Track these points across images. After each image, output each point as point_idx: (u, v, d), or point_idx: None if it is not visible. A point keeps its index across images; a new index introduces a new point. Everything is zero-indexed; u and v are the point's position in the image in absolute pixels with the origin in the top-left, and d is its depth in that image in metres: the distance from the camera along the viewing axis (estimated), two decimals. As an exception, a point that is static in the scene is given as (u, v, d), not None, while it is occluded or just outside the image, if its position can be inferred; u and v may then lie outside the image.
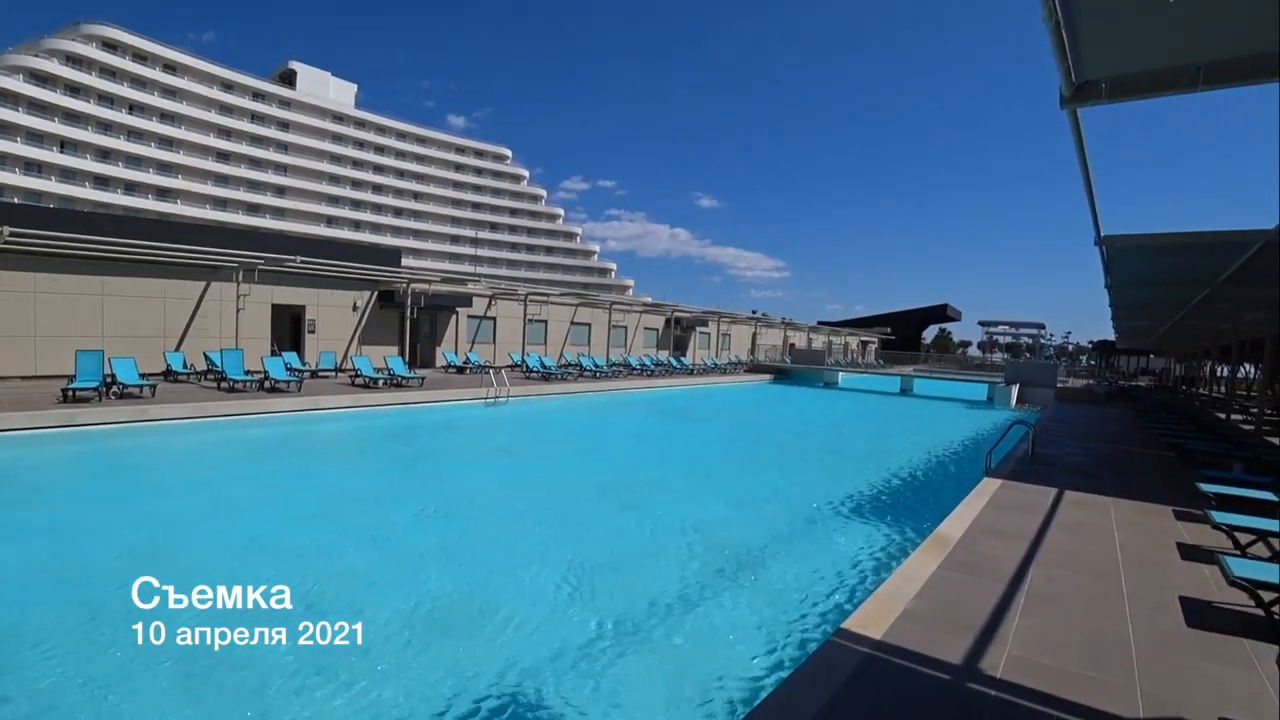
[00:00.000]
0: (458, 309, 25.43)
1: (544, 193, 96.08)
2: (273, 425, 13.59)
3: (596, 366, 26.93)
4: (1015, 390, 27.56)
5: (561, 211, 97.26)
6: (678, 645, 5.00)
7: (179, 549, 6.46)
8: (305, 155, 72.40)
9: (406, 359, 21.50)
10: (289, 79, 73.94)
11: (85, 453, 10.70)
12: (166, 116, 62.86)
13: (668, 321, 36.12)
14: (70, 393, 12.48)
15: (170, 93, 63.35)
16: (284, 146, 71.00)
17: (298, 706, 3.97)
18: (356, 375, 18.72)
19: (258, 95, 69.86)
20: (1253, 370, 32.92)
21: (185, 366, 17.14)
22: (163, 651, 4.28)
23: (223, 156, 66.09)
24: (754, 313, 48.30)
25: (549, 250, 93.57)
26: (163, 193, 61.60)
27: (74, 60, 57.76)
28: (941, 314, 74.84)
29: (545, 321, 29.26)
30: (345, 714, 3.94)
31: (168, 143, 62.72)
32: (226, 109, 67.00)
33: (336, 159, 75.08)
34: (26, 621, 4.81)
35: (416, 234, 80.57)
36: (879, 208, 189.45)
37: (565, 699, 4.19)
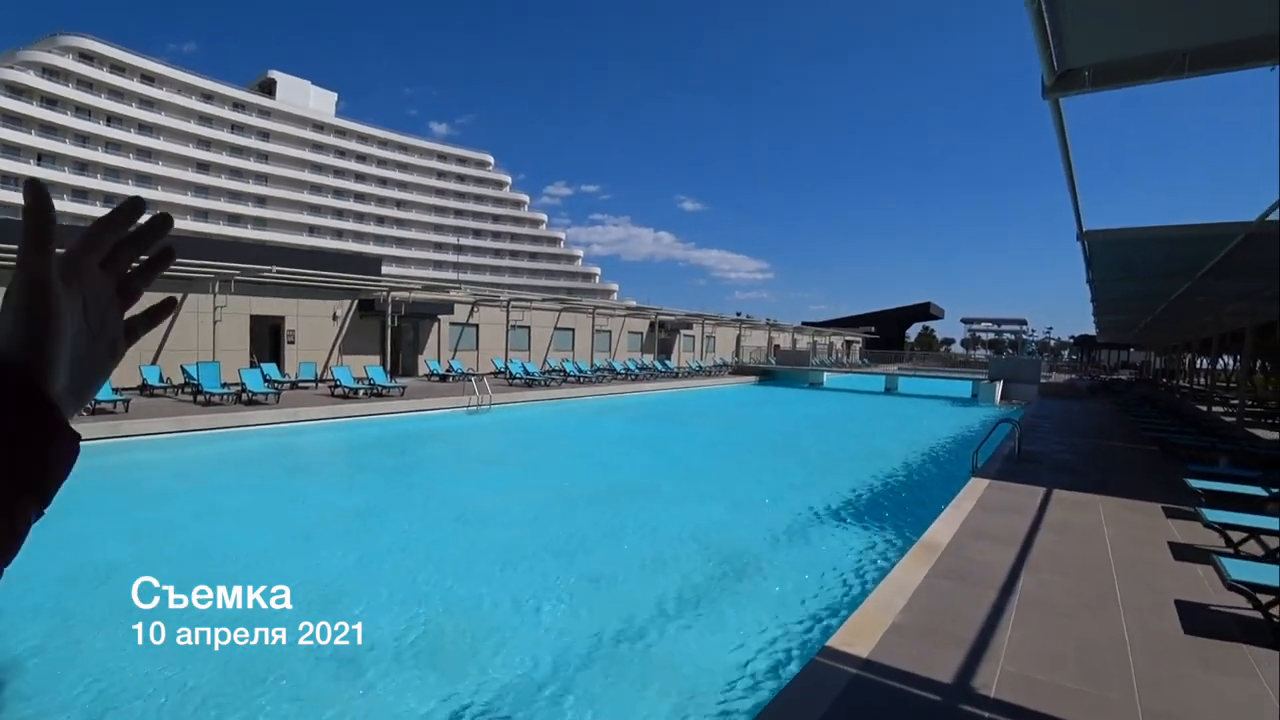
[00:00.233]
0: (439, 317, 25.06)
1: (527, 199, 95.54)
2: (249, 439, 13.27)
3: (580, 372, 26.68)
4: (999, 387, 27.63)
5: (545, 217, 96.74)
6: (663, 656, 4.82)
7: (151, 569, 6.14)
8: (286, 165, 71.43)
9: (388, 368, 21.13)
10: (269, 88, 72.99)
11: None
12: (145, 128, 61.76)
13: (652, 325, 35.92)
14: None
15: (148, 103, 62.23)
16: (264, 156, 70.05)
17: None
18: (336, 385, 18.35)
19: (237, 105, 68.85)
20: (1232, 362, 33.27)
21: (161, 380, 16.72)
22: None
23: (203, 167, 65.06)
24: (738, 314, 48.16)
25: (533, 256, 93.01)
26: (140, 204, 60.42)
27: (50, 72, 56.62)
28: (925, 312, 75.35)
29: (528, 328, 28.94)
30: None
31: (146, 154, 61.65)
32: (206, 119, 65.94)
33: (318, 168, 74.21)
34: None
35: (399, 242, 79.73)
36: (862, 208, 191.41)
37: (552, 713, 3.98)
